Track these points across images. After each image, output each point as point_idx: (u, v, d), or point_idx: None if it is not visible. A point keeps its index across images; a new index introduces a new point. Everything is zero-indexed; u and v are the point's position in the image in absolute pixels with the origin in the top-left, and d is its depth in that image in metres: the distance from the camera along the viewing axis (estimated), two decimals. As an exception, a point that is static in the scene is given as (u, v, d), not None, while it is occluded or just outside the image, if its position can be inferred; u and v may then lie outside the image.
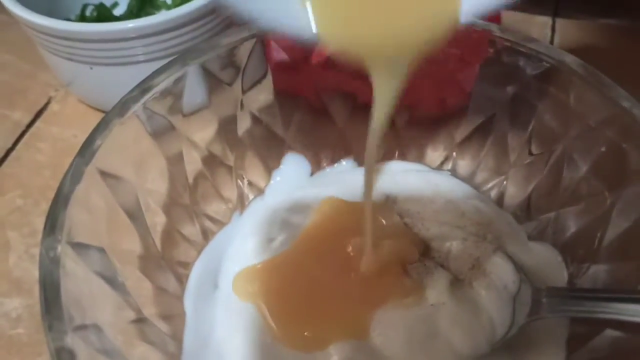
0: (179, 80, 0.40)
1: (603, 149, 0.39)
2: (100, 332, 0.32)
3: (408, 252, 0.41)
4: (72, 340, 0.28)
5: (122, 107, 0.37)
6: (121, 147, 0.38)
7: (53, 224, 0.31)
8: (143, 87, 0.39)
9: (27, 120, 0.59)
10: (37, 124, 0.59)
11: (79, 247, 0.33)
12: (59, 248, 0.31)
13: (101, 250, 0.35)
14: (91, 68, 0.51)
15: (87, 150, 0.35)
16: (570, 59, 0.40)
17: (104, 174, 0.36)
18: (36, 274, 0.30)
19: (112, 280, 0.35)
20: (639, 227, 0.37)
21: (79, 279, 0.32)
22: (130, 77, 0.40)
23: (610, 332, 0.36)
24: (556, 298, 0.35)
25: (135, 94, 0.38)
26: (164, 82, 0.39)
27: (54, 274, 0.30)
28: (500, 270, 0.39)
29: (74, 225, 0.33)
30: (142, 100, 0.38)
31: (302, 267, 0.41)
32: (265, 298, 0.39)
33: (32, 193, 0.52)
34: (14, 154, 0.56)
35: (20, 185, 0.53)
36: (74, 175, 0.34)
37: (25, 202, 0.52)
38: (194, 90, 0.42)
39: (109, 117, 0.37)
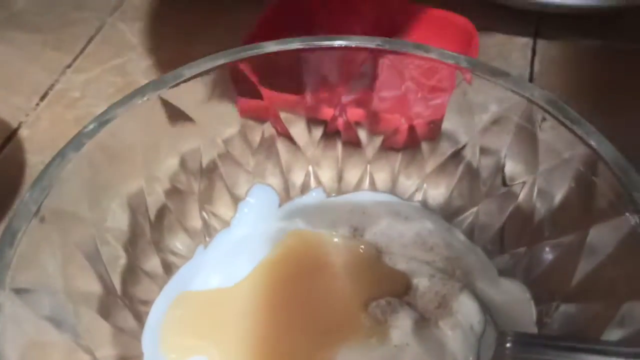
0: (137, 112, 0.39)
1: (572, 184, 0.39)
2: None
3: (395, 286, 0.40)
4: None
5: (78, 140, 0.36)
6: (76, 182, 0.37)
7: (-4, 270, 0.30)
8: (100, 120, 0.38)
9: (-5, 146, 0.58)
10: (6, 150, 0.58)
11: (25, 293, 0.32)
12: (1, 294, 0.30)
13: (52, 293, 0.34)
14: None
15: (37, 186, 0.34)
16: (539, 94, 0.39)
17: (56, 212, 0.35)
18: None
19: (62, 324, 0.34)
20: (607, 265, 0.36)
21: (23, 325, 0.31)
22: None
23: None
24: (520, 345, 0.34)
25: (92, 127, 0.37)
26: (122, 115, 0.38)
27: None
28: (466, 309, 0.38)
29: (19, 270, 0.31)
30: (99, 134, 0.37)
31: (251, 303, 0.40)
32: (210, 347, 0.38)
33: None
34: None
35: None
36: (20, 214, 0.33)
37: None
38: (153, 121, 0.41)
39: (64, 151, 0.36)
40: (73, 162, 0.36)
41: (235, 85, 0.44)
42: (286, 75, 0.46)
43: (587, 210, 0.38)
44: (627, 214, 0.34)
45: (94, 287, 0.38)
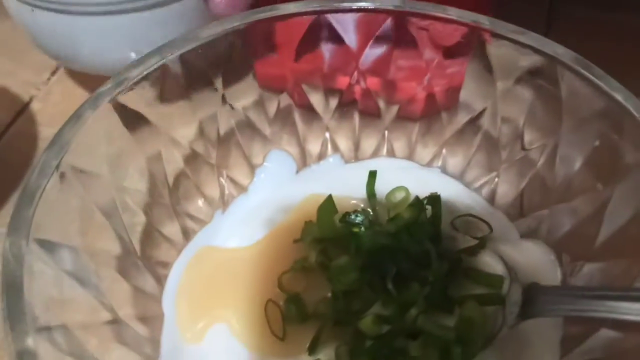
0: (155, 72, 0.39)
1: (597, 142, 0.38)
2: (68, 334, 0.30)
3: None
4: (35, 342, 0.27)
5: (95, 99, 0.36)
6: (94, 143, 0.36)
7: (17, 220, 0.30)
8: (117, 80, 0.37)
9: (7, 119, 0.58)
10: (18, 123, 0.57)
11: (48, 246, 0.31)
12: (24, 245, 0.29)
13: (73, 249, 0.34)
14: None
15: (56, 144, 0.34)
16: (562, 51, 0.39)
17: (76, 170, 0.34)
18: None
19: (85, 281, 0.34)
20: (634, 223, 0.36)
21: (46, 278, 0.31)
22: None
23: (605, 332, 0.34)
24: (548, 297, 0.34)
25: (109, 86, 0.37)
26: (140, 75, 0.38)
27: (17, 271, 0.28)
28: (490, 269, 0.38)
29: (42, 223, 0.31)
30: (116, 93, 0.36)
31: (267, 264, 0.40)
32: (226, 314, 0.38)
33: (9, 194, 0.51)
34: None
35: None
36: (41, 170, 0.32)
37: (2, 204, 0.50)
38: (174, 85, 0.41)
39: (80, 110, 0.35)
40: (90, 121, 0.36)
41: (253, 49, 0.44)
42: (303, 39, 0.45)
43: (611, 169, 0.37)
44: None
45: (114, 247, 0.37)
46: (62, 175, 0.33)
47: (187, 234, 0.43)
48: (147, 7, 0.47)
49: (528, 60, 0.40)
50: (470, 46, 0.43)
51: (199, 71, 0.42)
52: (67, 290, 0.32)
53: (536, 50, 0.39)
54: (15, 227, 0.30)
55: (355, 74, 0.48)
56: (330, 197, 0.41)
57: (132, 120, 0.39)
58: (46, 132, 0.56)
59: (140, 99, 0.39)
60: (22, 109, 0.59)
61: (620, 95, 0.36)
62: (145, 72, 0.38)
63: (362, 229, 0.40)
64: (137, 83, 0.38)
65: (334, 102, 0.49)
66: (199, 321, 0.39)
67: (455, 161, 0.48)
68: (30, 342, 0.27)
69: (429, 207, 0.41)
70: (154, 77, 0.39)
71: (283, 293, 0.38)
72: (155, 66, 0.39)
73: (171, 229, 0.42)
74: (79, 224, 0.35)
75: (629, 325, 0.32)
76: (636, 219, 0.36)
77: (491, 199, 0.45)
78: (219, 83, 0.43)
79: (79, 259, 0.34)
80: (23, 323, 0.27)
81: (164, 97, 0.41)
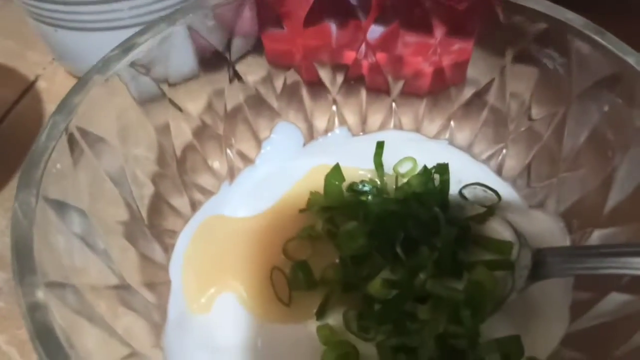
0: (164, 41, 0.39)
1: (606, 108, 0.38)
2: (78, 294, 0.30)
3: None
4: (45, 296, 0.27)
5: (104, 64, 0.36)
6: (103, 108, 0.36)
7: (27, 178, 0.30)
8: (126, 45, 0.37)
9: (14, 97, 0.58)
10: (24, 100, 0.57)
11: (56, 205, 0.31)
12: (33, 203, 0.29)
13: (82, 212, 0.33)
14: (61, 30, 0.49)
15: (65, 107, 0.33)
16: (572, 17, 0.38)
17: (84, 133, 0.34)
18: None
19: (93, 245, 0.34)
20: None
21: (55, 238, 0.30)
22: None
23: (614, 296, 0.34)
24: (558, 258, 0.33)
25: (117, 52, 0.36)
26: (148, 42, 0.38)
27: (26, 228, 0.28)
28: (499, 236, 0.38)
29: (51, 183, 0.31)
30: (125, 59, 0.36)
31: (274, 233, 0.40)
32: (233, 283, 0.38)
33: (15, 170, 0.51)
34: (-1, 130, 0.55)
35: (4, 163, 0.51)
36: (50, 132, 0.32)
37: (9, 179, 0.50)
38: (182, 54, 0.41)
39: (89, 75, 0.35)
40: (98, 86, 0.35)
41: (261, 22, 0.44)
42: (310, 12, 0.45)
43: (622, 135, 0.37)
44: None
45: (122, 214, 0.37)
46: (71, 138, 0.33)
47: (194, 205, 0.43)
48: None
49: (537, 28, 0.40)
50: (480, 15, 0.43)
51: (207, 41, 0.41)
52: (76, 253, 0.32)
53: (546, 17, 0.39)
54: (24, 184, 0.30)
55: (363, 48, 0.48)
56: (337, 165, 0.41)
57: (142, 91, 0.39)
58: (52, 109, 0.55)
59: (148, 67, 0.38)
60: (28, 88, 0.59)
61: (632, 59, 0.35)
62: (153, 39, 0.38)
63: (370, 197, 0.40)
64: (145, 49, 0.38)
65: (341, 77, 0.49)
66: (206, 292, 0.39)
67: (462, 134, 0.48)
68: (40, 295, 0.26)
69: (437, 177, 0.41)
70: (163, 44, 0.39)
71: (288, 260, 0.38)
72: (164, 33, 0.38)
73: (179, 199, 0.42)
74: (87, 187, 0.34)
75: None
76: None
77: (499, 170, 0.45)
78: (227, 53, 0.43)
79: (88, 223, 0.34)
80: (33, 276, 0.27)
81: (173, 67, 0.40)
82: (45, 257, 0.28)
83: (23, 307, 0.26)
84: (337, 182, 0.41)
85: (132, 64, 0.37)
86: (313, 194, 0.41)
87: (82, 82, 0.35)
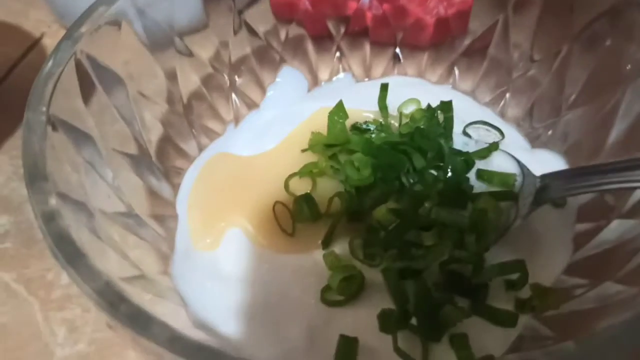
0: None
1: (608, 42, 0.38)
2: (89, 213, 0.31)
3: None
4: (58, 204, 0.27)
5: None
6: (112, 49, 0.36)
7: (37, 95, 0.30)
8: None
9: (19, 53, 0.58)
10: (30, 56, 0.58)
11: (67, 127, 0.32)
12: (44, 119, 0.30)
13: (91, 139, 0.34)
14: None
15: (72, 34, 0.34)
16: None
17: (94, 64, 0.35)
18: (24, 192, 0.28)
19: (102, 173, 0.34)
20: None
21: (65, 156, 0.31)
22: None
23: (617, 223, 0.35)
24: (561, 180, 0.34)
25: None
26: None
27: (37, 139, 0.28)
28: (503, 169, 0.38)
29: (60, 105, 0.31)
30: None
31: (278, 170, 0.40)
32: (238, 219, 0.38)
33: (19, 122, 0.51)
34: (5, 84, 0.55)
35: (10, 113, 0.52)
36: (57, 56, 0.32)
37: (15, 128, 0.51)
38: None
39: (94, 6, 0.35)
40: (106, 19, 0.35)
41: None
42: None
43: (622, 70, 0.37)
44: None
45: (131, 148, 0.38)
46: (79, 65, 0.33)
47: (200, 146, 0.44)
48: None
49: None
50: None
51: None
52: (85, 177, 0.33)
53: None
54: (35, 101, 0.30)
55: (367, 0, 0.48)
56: (340, 102, 0.41)
57: (150, 32, 0.39)
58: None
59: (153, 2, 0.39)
60: (33, 44, 0.59)
61: (633, -12, 0.36)
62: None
63: (374, 135, 0.40)
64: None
65: (344, 29, 0.49)
66: (211, 232, 0.39)
67: (466, 81, 0.48)
68: (53, 203, 0.27)
69: (440, 114, 0.41)
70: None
71: (289, 195, 0.39)
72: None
73: (185, 140, 0.43)
74: (95, 117, 0.35)
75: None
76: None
77: (502, 114, 0.46)
78: (235, 1, 0.43)
79: (97, 151, 0.34)
80: (44, 183, 0.27)
81: (179, 6, 0.41)
82: (56, 171, 0.29)
83: (38, 216, 0.27)
84: (340, 120, 0.41)
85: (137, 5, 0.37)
86: (315, 134, 0.42)
87: (87, 13, 0.35)
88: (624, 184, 0.30)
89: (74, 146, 0.32)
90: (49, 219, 0.27)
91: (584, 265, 0.36)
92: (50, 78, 0.31)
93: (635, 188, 0.30)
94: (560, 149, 0.42)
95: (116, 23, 0.37)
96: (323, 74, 0.49)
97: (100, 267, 0.26)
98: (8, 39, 0.59)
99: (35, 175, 0.27)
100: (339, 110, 0.41)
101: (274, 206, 0.38)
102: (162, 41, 0.41)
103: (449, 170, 0.37)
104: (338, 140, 0.40)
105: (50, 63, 0.32)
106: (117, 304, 0.23)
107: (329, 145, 0.40)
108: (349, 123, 0.42)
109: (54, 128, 0.30)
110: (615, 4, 0.37)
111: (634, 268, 0.31)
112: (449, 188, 0.36)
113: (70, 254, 0.25)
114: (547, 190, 0.34)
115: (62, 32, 0.58)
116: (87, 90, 0.34)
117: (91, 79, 0.35)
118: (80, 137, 0.33)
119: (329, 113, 0.41)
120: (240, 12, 0.44)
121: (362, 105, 0.44)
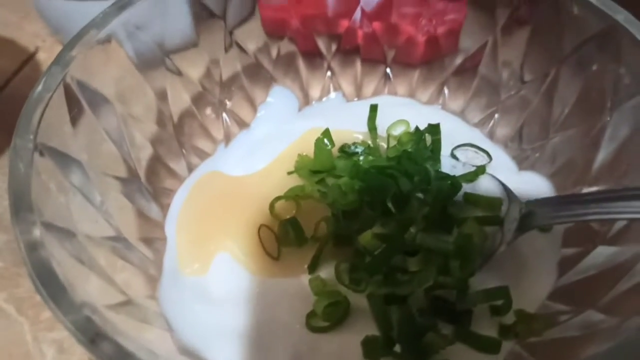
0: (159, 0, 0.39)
1: (595, 67, 0.38)
2: (75, 240, 0.31)
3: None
4: (42, 235, 0.27)
5: (99, 20, 0.36)
6: (102, 69, 0.37)
7: (24, 124, 0.31)
8: (121, 3, 0.37)
9: (13, 67, 0.58)
10: (25, 70, 0.58)
11: (54, 153, 0.32)
12: (31, 147, 0.30)
13: (79, 164, 0.34)
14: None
15: (61, 59, 0.34)
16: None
17: (83, 88, 0.35)
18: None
19: (91, 197, 0.34)
20: (630, 142, 0.36)
21: (52, 182, 0.31)
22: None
23: (601, 250, 0.35)
24: (545, 208, 0.34)
25: (112, 9, 0.37)
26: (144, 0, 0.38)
27: (23, 168, 0.29)
28: (489, 193, 0.38)
29: (48, 131, 0.32)
30: (121, 16, 0.37)
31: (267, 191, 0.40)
32: (227, 241, 0.39)
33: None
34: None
35: (3, 129, 0.52)
36: (47, 81, 0.33)
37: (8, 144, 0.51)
38: (178, 16, 0.41)
39: (85, 29, 0.36)
40: (95, 45, 0.36)
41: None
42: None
43: (610, 94, 0.38)
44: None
45: (120, 170, 0.38)
46: (68, 89, 0.34)
47: (190, 165, 0.44)
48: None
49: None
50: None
51: (206, 8, 0.42)
52: (73, 203, 0.33)
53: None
54: (22, 129, 0.30)
55: (358, 17, 0.48)
56: (327, 130, 0.41)
57: (140, 53, 0.39)
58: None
59: (145, 27, 0.39)
60: (28, 59, 0.59)
61: (620, 16, 0.36)
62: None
63: (362, 158, 0.41)
64: (142, 7, 0.38)
65: (336, 46, 0.49)
66: (199, 258, 0.39)
67: (455, 101, 0.48)
68: (37, 233, 0.27)
69: (428, 137, 0.41)
70: (159, 5, 0.39)
71: (274, 218, 0.39)
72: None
73: (175, 161, 0.43)
74: (85, 143, 0.35)
75: (626, 238, 0.33)
76: (632, 141, 0.36)
77: (491, 135, 0.46)
78: (224, 21, 0.43)
79: (85, 176, 0.34)
80: (29, 214, 0.27)
81: (170, 27, 0.41)
82: (41, 199, 0.29)
83: (21, 246, 0.27)
84: (327, 147, 0.41)
85: (128, 22, 0.38)
86: (300, 157, 0.42)
87: (78, 36, 0.35)
88: (604, 215, 0.30)
89: (61, 172, 0.32)
90: (32, 249, 0.27)
91: (568, 291, 0.36)
92: (39, 103, 0.32)
93: (615, 220, 0.30)
94: (547, 172, 0.42)
95: (107, 44, 0.37)
96: (314, 93, 0.49)
97: (84, 298, 0.26)
98: (3, 53, 0.60)
99: (20, 206, 0.28)
100: (326, 136, 0.41)
101: (258, 230, 0.38)
102: (152, 61, 0.41)
103: (435, 194, 0.37)
104: (324, 167, 0.40)
105: (39, 88, 0.33)
106: (97, 341, 0.23)
107: (315, 171, 0.41)
108: (338, 144, 0.42)
109: (42, 154, 0.30)
110: (604, 27, 0.37)
111: (616, 296, 0.32)
112: (435, 212, 0.36)
113: (51, 286, 0.25)
114: (532, 216, 0.35)
115: (57, 47, 0.60)
116: (76, 114, 0.35)
117: (80, 103, 0.35)
118: (68, 162, 0.33)
119: (316, 140, 0.41)
120: (231, 33, 0.45)
121: (352, 126, 0.45)
